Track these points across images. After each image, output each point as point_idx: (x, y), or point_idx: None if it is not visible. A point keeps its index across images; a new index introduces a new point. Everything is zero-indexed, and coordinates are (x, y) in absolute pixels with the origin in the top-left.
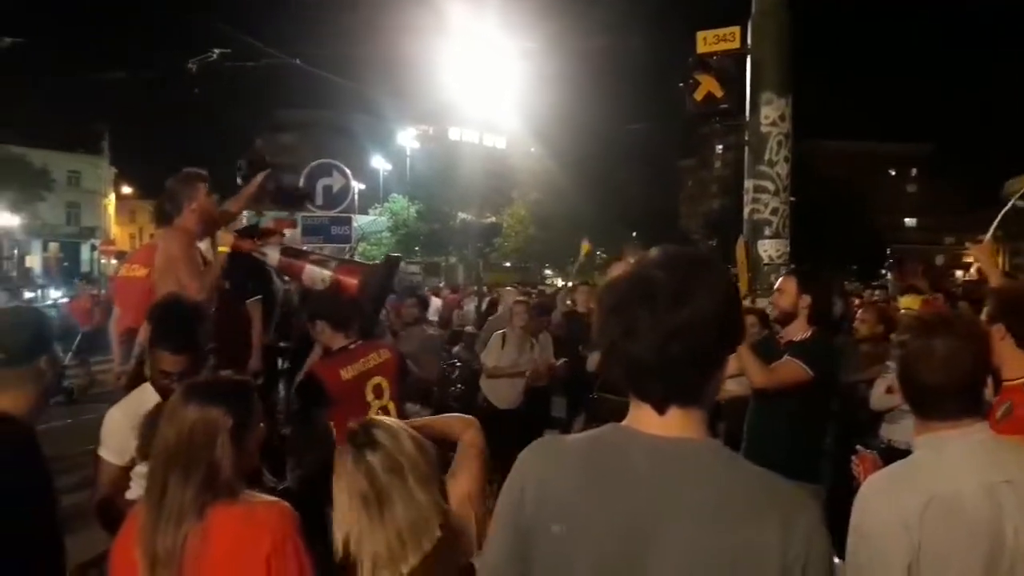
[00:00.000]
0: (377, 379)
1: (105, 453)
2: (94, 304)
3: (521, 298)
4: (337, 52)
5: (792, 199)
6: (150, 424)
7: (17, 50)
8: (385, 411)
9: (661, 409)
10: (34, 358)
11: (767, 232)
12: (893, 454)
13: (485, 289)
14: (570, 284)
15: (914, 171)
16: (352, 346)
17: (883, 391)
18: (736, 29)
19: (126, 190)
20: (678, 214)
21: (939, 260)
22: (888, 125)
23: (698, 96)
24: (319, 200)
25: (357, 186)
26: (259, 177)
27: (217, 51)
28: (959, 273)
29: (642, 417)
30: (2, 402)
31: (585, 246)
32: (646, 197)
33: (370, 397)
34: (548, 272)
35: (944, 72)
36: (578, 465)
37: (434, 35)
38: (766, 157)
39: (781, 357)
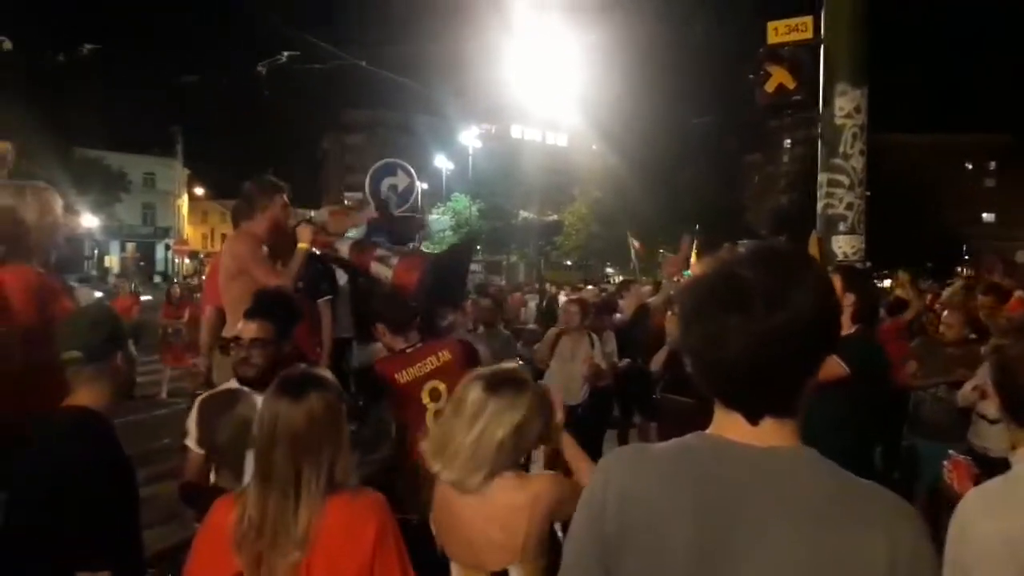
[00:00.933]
0: (434, 383)
1: (191, 443)
2: (133, 303)
3: (573, 297)
4: (400, 52)
5: (867, 194)
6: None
7: (96, 57)
8: (441, 415)
9: (754, 419)
10: (109, 355)
11: (842, 228)
12: (980, 462)
13: (548, 287)
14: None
15: (992, 164)
16: (410, 349)
17: (970, 388)
18: (808, 19)
19: (198, 191)
20: (743, 210)
21: (1020, 257)
22: (963, 115)
23: (769, 88)
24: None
25: (420, 185)
26: (369, 211)
27: (286, 54)
28: None
29: (731, 425)
30: (81, 398)
31: (635, 243)
32: (711, 194)
33: (426, 400)
34: (609, 270)
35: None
36: (667, 475)
37: (496, 33)
38: (840, 150)
39: None
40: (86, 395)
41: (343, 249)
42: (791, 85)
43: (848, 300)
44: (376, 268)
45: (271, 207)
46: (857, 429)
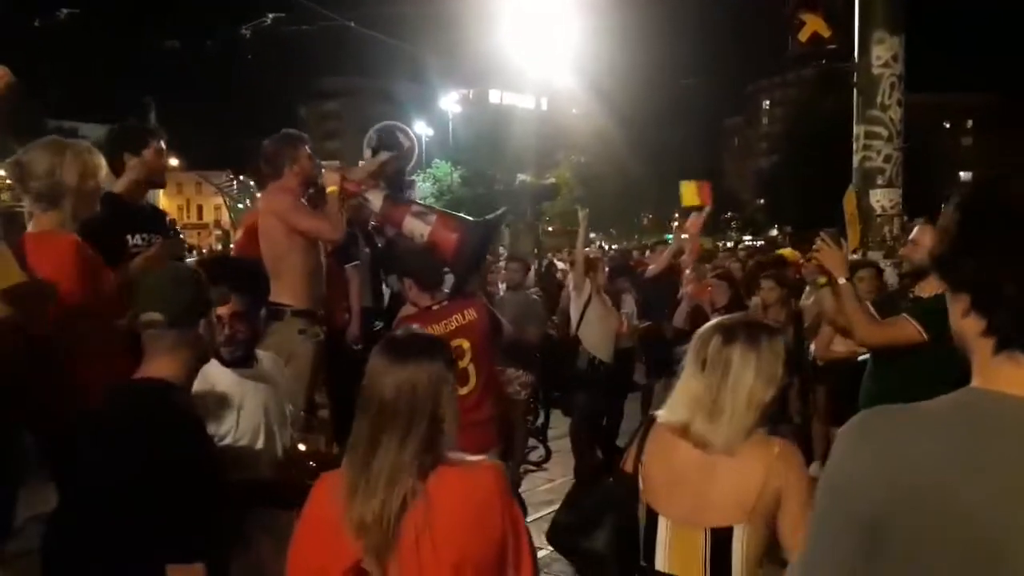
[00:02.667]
0: (459, 340)
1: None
2: None
3: (596, 256)
4: (375, 14)
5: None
6: None
7: (74, 22)
8: (464, 373)
9: None
10: (193, 321)
11: (879, 181)
12: None
13: (535, 252)
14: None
15: (970, 123)
16: (436, 307)
17: None
18: None
19: (173, 162)
20: (723, 173)
21: None
22: (949, 74)
23: (803, 37)
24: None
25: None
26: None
27: (271, 15)
28: None
29: (1010, 379)
30: (160, 366)
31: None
32: (694, 156)
33: None
34: (593, 235)
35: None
36: (944, 439)
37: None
38: (878, 100)
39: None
40: (164, 365)
41: (375, 200)
42: (826, 33)
43: None
44: (410, 223)
45: (298, 159)
46: (939, 392)
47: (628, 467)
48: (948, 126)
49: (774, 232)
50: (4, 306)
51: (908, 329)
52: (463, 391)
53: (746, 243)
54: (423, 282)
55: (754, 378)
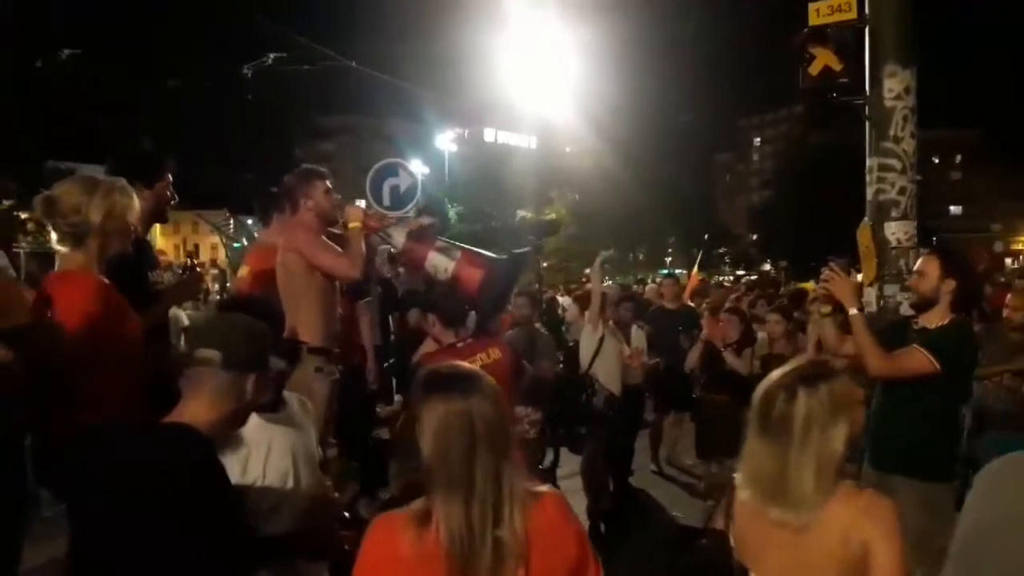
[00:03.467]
0: None
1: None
2: None
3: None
4: (373, 52)
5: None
6: None
7: (76, 63)
8: None
9: None
10: (246, 371)
11: (894, 214)
12: None
13: (537, 287)
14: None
15: (959, 158)
16: (460, 344)
17: None
18: None
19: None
20: (716, 208)
21: (998, 247)
22: (933, 111)
23: (814, 71)
24: (386, 201)
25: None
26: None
27: (272, 55)
28: (1008, 261)
29: None
30: (198, 410)
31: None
32: (687, 192)
33: None
34: (588, 271)
35: (991, 55)
36: None
37: (471, 36)
38: (891, 133)
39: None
40: (203, 410)
41: (398, 236)
42: (837, 67)
43: (948, 286)
44: (434, 259)
45: (314, 195)
46: (947, 424)
47: (719, 524)
48: (937, 161)
49: (767, 267)
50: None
51: (920, 360)
52: None
53: (741, 277)
54: (448, 318)
55: (820, 438)
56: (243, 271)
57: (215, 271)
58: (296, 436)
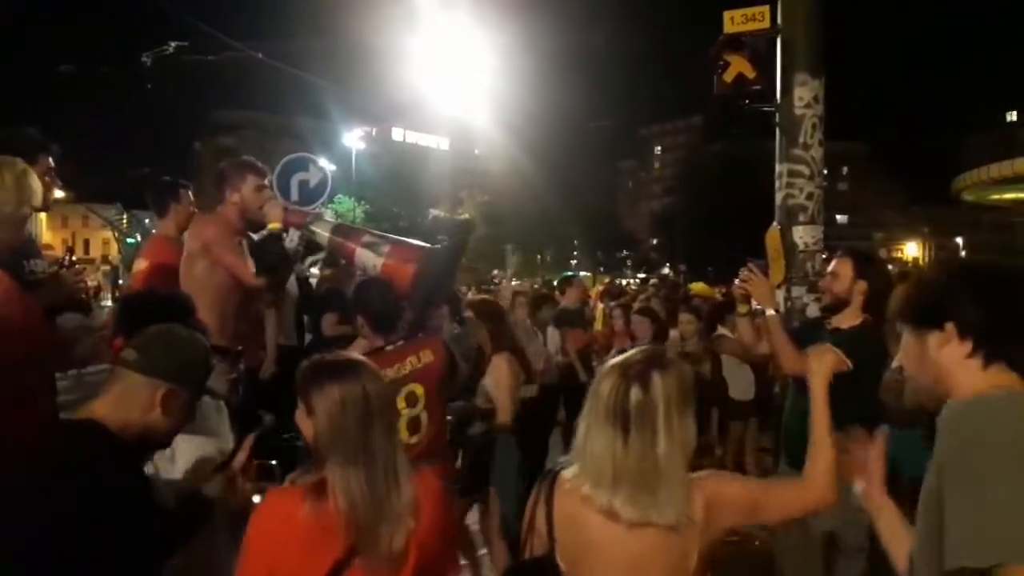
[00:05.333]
0: (412, 386)
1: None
2: None
3: (520, 290)
4: (280, 46)
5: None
6: None
7: None
8: (416, 421)
9: None
10: (159, 379)
11: (802, 218)
12: None
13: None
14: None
15: (846, 169)
16: (389, 347)
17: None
18: (765, 8)
19: (58, 194)
20: (619, 214)
21: (881, 254)
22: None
23: (728, 78)
24: (294, 196)
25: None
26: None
27: (173, 44)
28: (889, 268)
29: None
30: (95, 405)
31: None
32: (592, 197)
33: (401, 405)
34: (496, 272)
35: (878, 72)
36: None
37: (383, 34)
38: (800, 140)
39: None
40: (107, 406)
41: (322, 233)
42: (751, 75)
43: (859, 288)
44: (362, 255)
45: (241, 189)
46: (857, 422)
47: (539, 521)
48: (826, 172)
49: (666, 270)
50: None
51: (833, 360)
52: (414, 440)
53: (645, 280)
54: (378, 319)
55: (680, 426)
56: (141, 264)
57: (106, 267)
58: (206, 443)
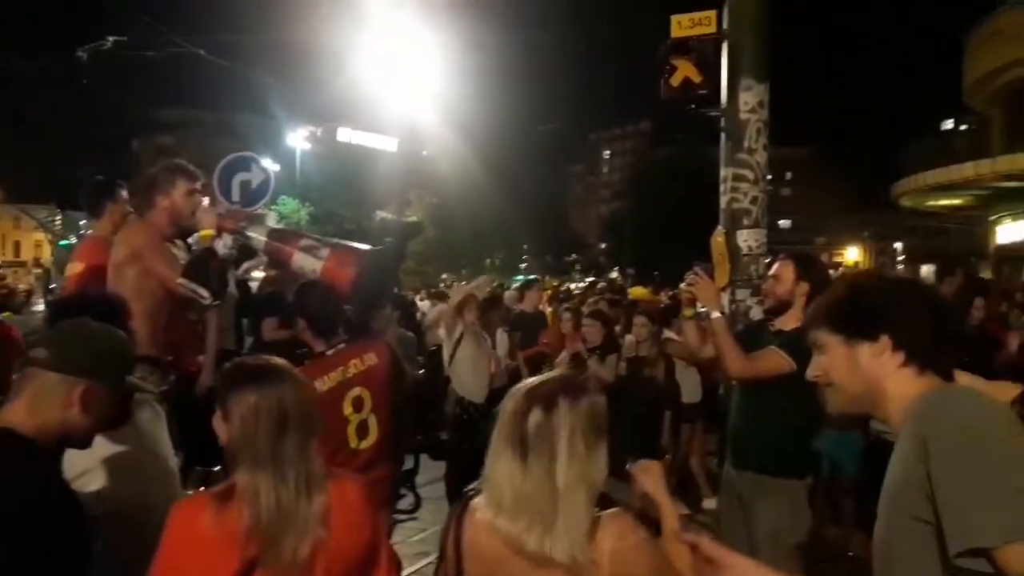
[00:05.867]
0: (358, 390)
1: None
2: None
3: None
4: (222, 43)
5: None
6: None
7: None
8: (364, 425)
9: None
10: (74, 375)
11: (746, 222)
12: (885, 446)
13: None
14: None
15: (789, 175)
16: (331, 352)
17: None
18: (712, 13)
19: None
20: (568, 217)
21: (823, 259)
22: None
23: (674, 82)
24: (236, 196)
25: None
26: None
27: (111, 39)
28: (831, 272)
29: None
30: (8, 408)
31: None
32: (542, 201)
33: (348, 411)
34: (445, 276)
35: (823, 80)
36: None
37: (328, 33)
38: (745, 145)
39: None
40: (21, 409)
41: (258, 237)
42: (697, 79)
43: (801, 290)
44: (300, 259)
45: (171, 194)
46: (801, 422)
47: (448, 550)
48: (770, 177)
49: (614, 274)
50: None
51: (778, 360)
52: (363, 445)
53: (594, 283)
54: (319, 323)
55: (587, 457)
56: (75, 267)
57: (38, 270)
58: (138, 447)
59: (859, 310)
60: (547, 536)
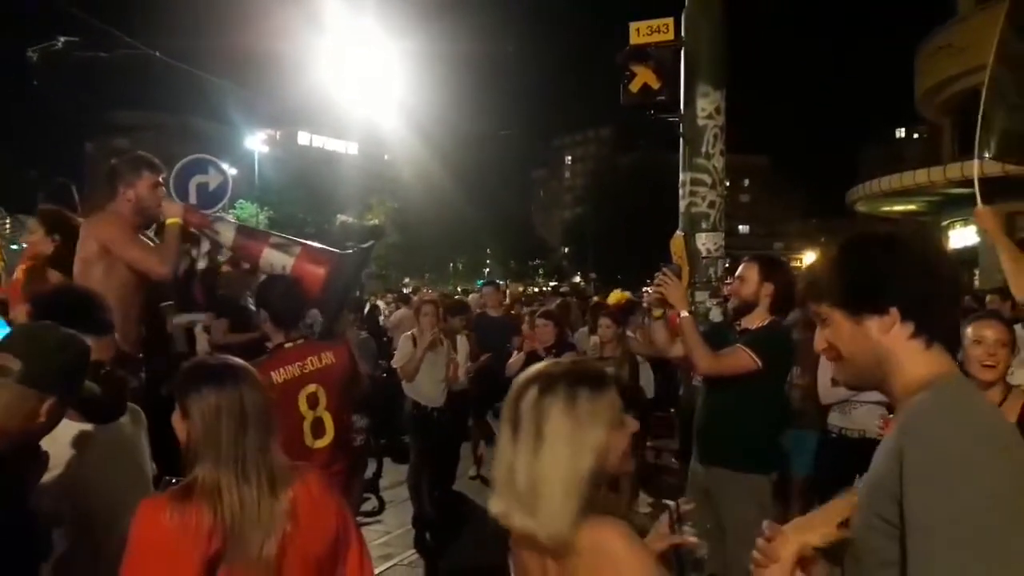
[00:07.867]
0: (313, 387)
1: None
2: None
3: (429, 299)
4: (179, 45)
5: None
6: None
7: None
8: (319, 423)
9: None
10: (42, 390)
11: (704, 225)
12: (846, 443)
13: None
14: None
15: (747, 182)
16: (289, 345)
17: (828, 382)
18: (670, 20)
19: None
20: (531, 223)
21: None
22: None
23: (634, 88)
24: (192, 199)
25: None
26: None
27: (62, 39)
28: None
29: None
30: None
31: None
32: (505, 206)
33: (303, 407)
34: (407, 280)
35: (780, 87)
36: None
37: (288, 35)
38: (703, 150)
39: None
40: None
41: (226, 233)
42: (656, 85)
43: (766, 290)
44: (269, 255)
45: (136, 185)
46: (767, 418)
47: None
48: (728, 183)
49: (577, 279)
50: None
51: (744, 358)
52: (318, 444)
53: (557, 287)
54: (281, 315)
55: (569, 451)
56: (19, 270)
57: None
58: (118, 450)
59: (864, 281)
60: (529, 516)
